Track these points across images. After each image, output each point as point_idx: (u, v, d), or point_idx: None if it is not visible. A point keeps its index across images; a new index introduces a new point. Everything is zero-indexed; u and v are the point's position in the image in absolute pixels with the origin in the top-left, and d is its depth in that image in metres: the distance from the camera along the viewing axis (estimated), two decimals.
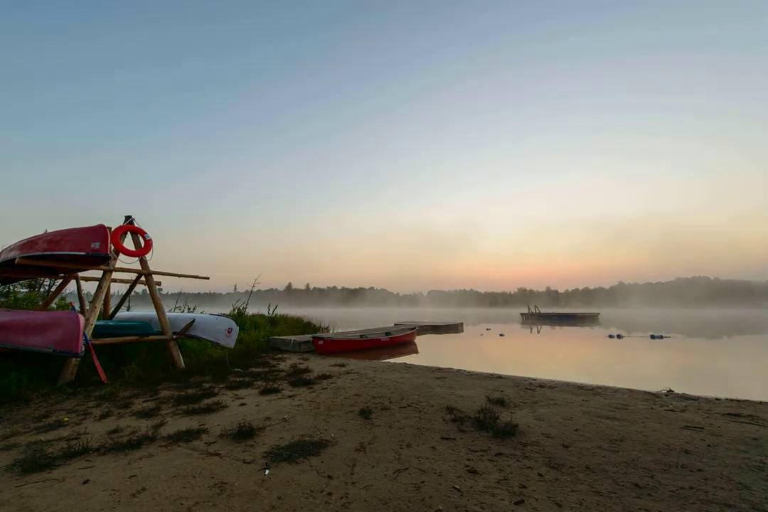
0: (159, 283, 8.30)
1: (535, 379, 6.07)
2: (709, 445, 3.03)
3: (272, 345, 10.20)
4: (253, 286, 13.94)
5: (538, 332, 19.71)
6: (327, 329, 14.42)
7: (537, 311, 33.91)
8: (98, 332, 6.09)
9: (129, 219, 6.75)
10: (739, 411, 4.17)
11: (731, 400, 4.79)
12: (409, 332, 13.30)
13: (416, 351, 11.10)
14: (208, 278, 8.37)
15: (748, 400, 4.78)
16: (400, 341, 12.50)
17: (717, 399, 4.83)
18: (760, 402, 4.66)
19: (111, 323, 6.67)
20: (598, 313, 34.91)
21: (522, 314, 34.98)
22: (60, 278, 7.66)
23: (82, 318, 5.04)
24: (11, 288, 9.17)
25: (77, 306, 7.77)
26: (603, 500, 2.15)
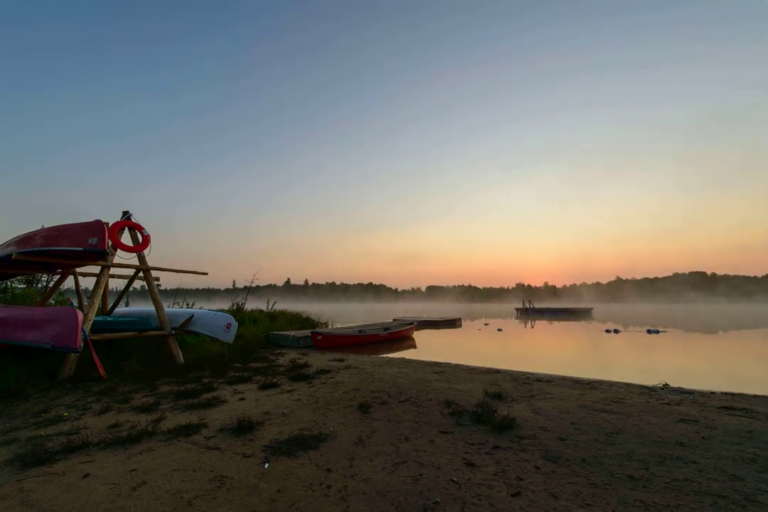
0: (157, 279, 8.29)
1: (532, 373, 6.12)
2: (703, 438, 3.07)
3: (271, 340, 10.23)
4: (252, 282, 13.94)
5: (532, 327, 19.81)
6: (326, 324, 14.45)
7: (531, 306, 34.23)
8: (97, 328, 6.09)
9: (126, 214, 6.71)
10: (733, 404, 4.21)
11: (726, 394, 4.84)
12: (408, 327, 13.33)
13: (414, 346, 11.14)
14: (206, 274, 8.37)
15: (742, 394, 4.84)
16: (398, 336, 12.54)
17: (712, 393, 4.88)
18: (754, 396, 4.72)
19: (109, 319, 6.67)
20: (592, 308, 35.28)
21: (517, 309, 35.31)
22: (58, 274, 7.65)
23: (80, 314, 5.03)
24: (9, 284, 9.14)
25: (75, 302, 7.76)
26: (599, 492, 2.17)
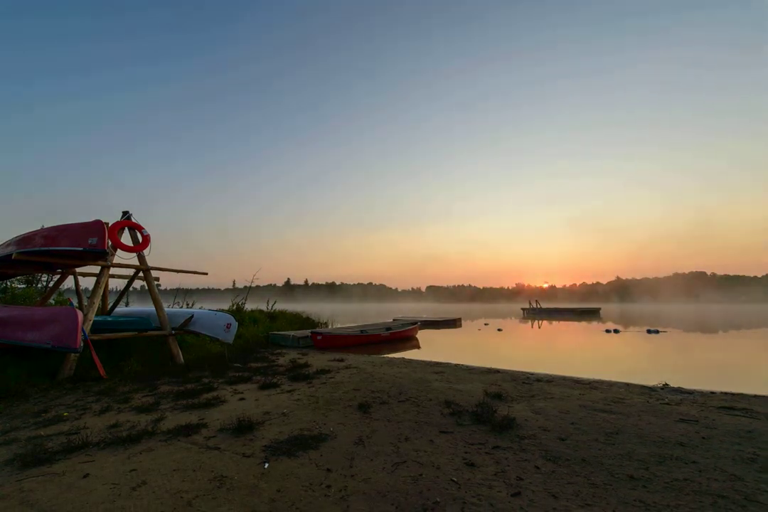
0: (157, 279, 8.29)
1: (532, 373, 6.11)
2: (703, 438, 3.07)
3: (271, 340, 10.22)
4: (252, 282, 13.93)
5: (539, 327, 19.81)
6: (326, 324, 14.45)
7: (538, 306, 34.16)
8: (97, 327, 6.09)
9: (126, 214, 6.71)
10: (733, 404, 4.21)
11: (726, 394, 4.84)
12: (411, 327, 13.23)
13: (418, 347, 11.12)
14: (206, 274, 8.37)
15: (742, 394, 4.84)
16: (401, 336, 12.45)
17: (712, 393, 4.88)
18: (755, 396, 4.72)
19: (109, 319, 6.67)
20: (599, 308, 34.98)
21: (523, 309, 35.24)
22: (57, 274, 7.64)
23: (80, 314, 5.03)
24: (8, 284, 9.15)
25: (75, 302, 7.76)
26: (599, 492, 2.17)
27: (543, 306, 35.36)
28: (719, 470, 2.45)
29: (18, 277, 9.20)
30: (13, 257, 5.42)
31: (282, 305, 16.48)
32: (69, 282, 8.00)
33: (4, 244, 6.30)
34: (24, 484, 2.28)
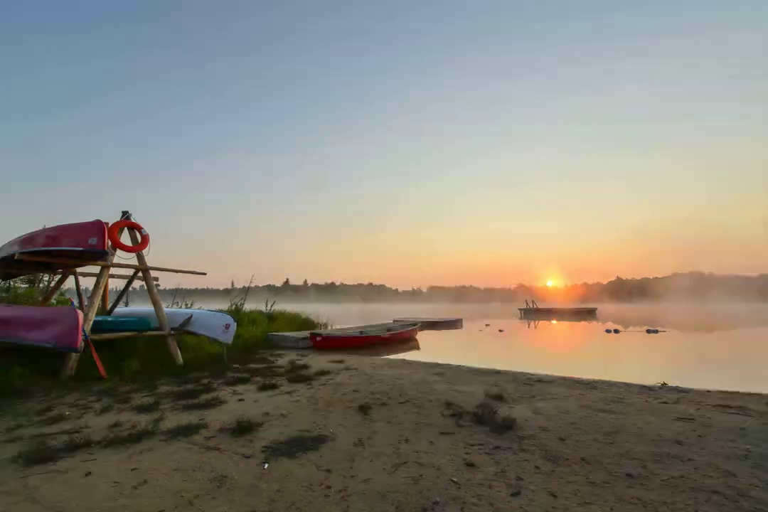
0: (156, 279, 8.30)
1: (533, 374, 6.13)
2: (699, 436, 3.10)
3: (270, 341, 10.22)
4: (251, 282, 13.95)
5: (535, 327, 19.85)
6: (325, 325, 14.45)
7: (534, 306, 34.23)
8: (97, 327, 6.11)
9: (126, 214, 6.72)
10: (728, 402, 4.25)
11: (722, 392, 4.88)
12: (411, 328, 13.23)
13: (418, 348, 11.11)
14: (205, 274, 8.38)
15: (737, 392, 4.88)
16: (401, 337, 12.42)
17: (708, 391, 4.92)
18: (749, 394, 4.77)
19: (109, 319, 6.69)
20: (596, 308, 35.09)
21: (520, 309, 35.29)
22: (58, 274, 7.66)
23: (81, 314, 5.05)
24: (12, 283, 9.18)
25: (76, 302, 7.78)
26: (597, 490, 2.20)
27: (540, 306, 35.47)
28: (714, 467, 2.48)
29: (21, 277, 9.23)
30: (15, 257, 5.46)
31: (281, 305, 16.45)
32: (69, 283, 8.03)
33: (7, 243, 6.34)
34: (29, 481, 2.30)
